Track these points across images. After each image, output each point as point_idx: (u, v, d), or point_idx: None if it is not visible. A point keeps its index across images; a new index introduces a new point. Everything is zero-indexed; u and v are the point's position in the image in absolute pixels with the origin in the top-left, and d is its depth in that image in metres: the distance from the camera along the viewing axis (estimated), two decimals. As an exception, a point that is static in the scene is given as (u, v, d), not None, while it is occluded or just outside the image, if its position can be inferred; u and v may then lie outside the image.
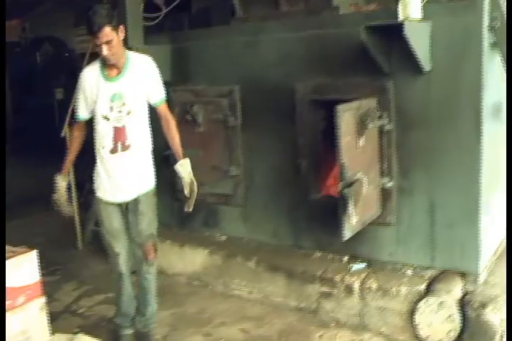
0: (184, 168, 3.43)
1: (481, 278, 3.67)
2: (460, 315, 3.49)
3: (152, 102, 3.39)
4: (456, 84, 3.44)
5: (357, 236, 3.93)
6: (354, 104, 3.42)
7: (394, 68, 3.61)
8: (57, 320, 3.61)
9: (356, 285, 3.88)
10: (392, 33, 3.32)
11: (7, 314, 3.00)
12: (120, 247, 3.49)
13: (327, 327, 3.88)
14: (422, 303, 3.58)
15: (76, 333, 3.05)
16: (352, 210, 3.37)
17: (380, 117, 3.59)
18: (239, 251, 4.49)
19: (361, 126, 3.45)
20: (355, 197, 3.39)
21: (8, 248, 3.35)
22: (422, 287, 3.69)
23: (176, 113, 4.56)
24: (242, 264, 4.38)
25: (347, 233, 3.46)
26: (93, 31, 3.05)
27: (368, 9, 4.11)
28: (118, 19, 4.43)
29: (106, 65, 3.24)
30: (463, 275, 3.69)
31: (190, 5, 5.10)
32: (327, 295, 4.00)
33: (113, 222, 3.45)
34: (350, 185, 3.34)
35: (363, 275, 3.94)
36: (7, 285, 3.06)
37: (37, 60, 10.73)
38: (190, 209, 3.47)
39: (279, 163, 4.27)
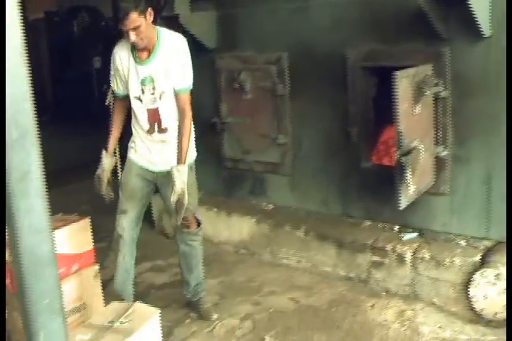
0: (180, 175, 3.12)
1: (539, 249, 3.57)
2: (517, 288, 3.42)
3: (175, 88, 3.16)
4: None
5: (409, 205, 3.88)
6: (411, 71, 3.30)
7: (451, 33, 3.46)
8: (107, 287, 3.65)
9: (408, 255, 3.83)
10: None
11: (62, 281, 3.04)
12: (129, 206, 3.37)
13: (378, 297, 3.85)
14: (477, 275, 3.50)
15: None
16: (409, 179, 3.29)
17: (436, 84, 3.47)
18: (287, 220, 4.46)
19: (418, 93, 3.34)
20: (413, 166, 3.30)
21: (60, 216, 3.39)
22: (477, 258, 3.61)
23: (223, 80, 4.54)
24: (291, 233, 4.36)
25: (403, 202, 3.38)
26: (118, 18, 2.91)
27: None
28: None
29: (135, 48, 3.12)
30: (520, 246, 3.61)
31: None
32: (378, 265, 3.96)
33: (134, 183, 3.36)
34: (407, 153, 3.25)
35: (415, 245, 3.88)
36: (60, 252, 3.07)
37: (74, 30, 10.72)
38: (178, 223, 3.24)
39: (328, 131, 4.19)
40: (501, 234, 3.62)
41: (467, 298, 3.58)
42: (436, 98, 3.55)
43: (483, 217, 3.68)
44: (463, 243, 3.81)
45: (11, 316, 3.00)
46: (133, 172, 3.37)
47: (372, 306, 3.75)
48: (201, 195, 5.00)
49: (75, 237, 3.32)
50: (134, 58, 3.14)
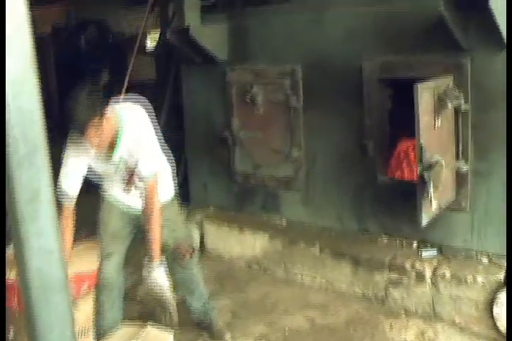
0: (153, 277, 2.78)
1: None
2: (544, 307, 3.29)
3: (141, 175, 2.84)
4: (542, 60, 3.18)
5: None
6: (432, 83, 3.20)
7: (471, 44, 3.36)
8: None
9: (428, 273, 3.70)
10: (473, 6, 3.09)
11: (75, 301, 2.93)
12: (114, 249, 3.11)
13: (397, 316, 3.71)
14: (502, 294, 3.38)
15: (143, 324, 2.94)
16: (432, 194, 3.17)
17: (458, 97, 3.36)
18: (300, 236, 4.34)
19: (439, 106, 3.23)
20: (435, 181, 3.19)
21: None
22: (500, 276, 3.48)
23: (234, 93, 4.45)
24: (305, 250, 4.24)
25: (425, 219, 3.27)
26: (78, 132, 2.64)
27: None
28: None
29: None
30: (545, 263, 3.48)
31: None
32: (396, 283, 3.83)
33: (115, 222, 3.11)
34: (429, 167, 3.14)
35: (434, 262, 3.75)
36: (71, 272, 2.96)
37: (82, 44, 10.69)
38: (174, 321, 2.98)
39: (343, 145, 4.09)
40: (525, 250, 3.50)
41: (491, 317, 3.44)
42: (457, 111, 3.43)
43: (505, 233, 3.54)
44: (485, 260, 3.68)
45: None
46: (113, 211, 3.10)
47: (391, 326, 3.61)
48: (212, 210, 4.96)
49: (86, 256, 3.23)
50: (97, 157, 2.86)
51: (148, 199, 2.80)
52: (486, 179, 3.55)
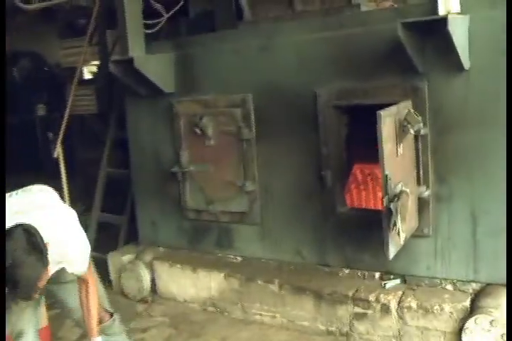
0: None
1: (531, 290, 3.38)
2: (513, 333, 3.21)
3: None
4: (498, 83, 3.16)
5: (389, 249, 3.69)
6: (394, 109, 3.13)
7: (428, 67, 3.33)
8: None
9: (393, 304, 3.58)
10: (429, 29, 3.07)
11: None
12: (24, 324, 2.90)
13: (363, 352, 3.57)
14: (470, 322, 3.28)
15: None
16: (400, 227, 3.06)
17: (419, 121, 3.29)
18: (258, 273, 4.15)
19: (401, 132, 3.16)
20: (403, 212, 3.09)
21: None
22: (467, 303, 3.42)
23: (183, 125, 4.27)
24: (263, 287, 4.04)
25: (393, 252, 3.16)
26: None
27: (384, 5, 3.86)
28: (118, 28, 4.13)
29: None
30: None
31: (187, 9, 4.75)
32: (360, 316, 3.69)
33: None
34: (395, 198, 3.04)
35: (399, 293, 3.64)
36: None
37: (14, 76, 10.29)
38: None
39: (300, 176, 3.95)
40: (490, 275, 3.44)
41: None
42: (416, 136, 3.37)
43: (470, 258, 3.48)
44: (449, 287, 3.60)
45: None
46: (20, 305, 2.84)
47: (358, 362, 3.45)
48: (162, 250, 4.70)
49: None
50: None
51: (86, 281, 2.84)
52: (447, 203, 3.49)
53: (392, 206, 3.03)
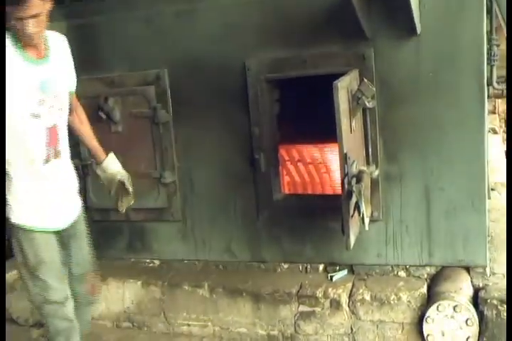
0: (116, 163, 2.91)
1: (488, 270, 3.21)
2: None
3: (71, 90, 2.72)
4: (453, 48, 2.94)
5: (332, 238, 3.34)
6: (347, 79, 2.77)
7: (375, 31, 3.01)
8: None
9: (344, 299, 3.24)
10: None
11: None
12: (66, 289, 2.64)
13: (315, 355, 3.18)
14: (432, 310, 3.03)
15: None
16: (364, 211, 2.72)
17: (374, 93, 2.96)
18: (183, 277, 3.62)
19: (354, 106, 2.82)
20: (366, 194, 2.75)
21: None
22: (424, 290, 3.17)
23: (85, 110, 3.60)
24: (191, 293, 3.52)
25: (353, 239, 2.84)
26: (18, 1, 2.21)
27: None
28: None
29: (22, 44, 2.36)
30: (467, 269, 3.22)
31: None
32: (307, 315, 3.31)
33: (56, 257, 2.58)
34: (356, 179, 2.72)
35: (349, 285, 3.32)
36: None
37: None
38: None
39: (228, 162, 3.47)
40: (446, 257, 3.24)
41: (421, 339, 3.11)
42: (364, 109, 3.03)
43: (424, 240, 3.24)
44: (402, 274, 3.35)
45: None
46: (47, 242, 2.54)
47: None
48: None
49: None
50: (26, 58, 2.37)
51: (76, 106, 2.80)
52: (397, 183, 3.22)
53: (354, 188, 2.69)
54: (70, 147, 2.68)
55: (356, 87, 2.84)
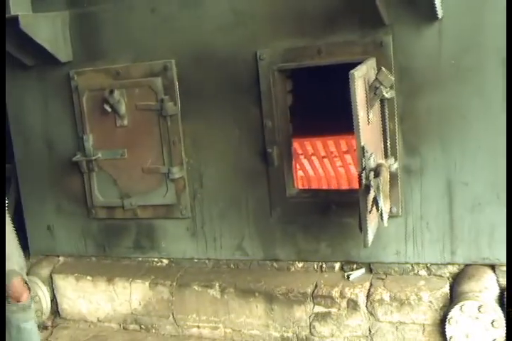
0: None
1: (514, 268, 3.07)
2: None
3: None
4: (476, 33, 2.81)
5: (348, 235, 3.24)
6: (364, 68, 2.64)
7: (393, 17, 2.88)
8: None
9: (361, 299, 3.13)
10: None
11: None
12: None
13: (331, 358, 3.09)
14: (455, 310, 2.89)
15: None
16: (383, 207, 2.59)
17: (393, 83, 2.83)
18: (192, 277, 3.53)
19: (372, 96, 2.69)
20: (384, 189, 2.63)
21: None
22: (446, 289, 3.05)
23: (86, 103, 3.50)
24: (201, 293, 3.42)
25: (371, 236, 2.73)
26: None
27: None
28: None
29: None
30: (492, 267, 3.08)
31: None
32: (323, 317, 3.20)
33: None
34: (375, 173, 2.60)
35: (367, 285, 3.20)
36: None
37: None
38: None
39: (239, 156, 3.37)
40: (469, 255, 3.11)
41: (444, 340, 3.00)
42: (382, 100, 2.89)
43: (446, 237, 3.11)
44: (423, 273, 3.23)
45: None
46: None
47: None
48: (63, 261, 3.95)
49: None
50: None
51: None
52: (418, 177, 3.10)
53: (372, 183, 2.57)
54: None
55: (374, 77, 2.74)
